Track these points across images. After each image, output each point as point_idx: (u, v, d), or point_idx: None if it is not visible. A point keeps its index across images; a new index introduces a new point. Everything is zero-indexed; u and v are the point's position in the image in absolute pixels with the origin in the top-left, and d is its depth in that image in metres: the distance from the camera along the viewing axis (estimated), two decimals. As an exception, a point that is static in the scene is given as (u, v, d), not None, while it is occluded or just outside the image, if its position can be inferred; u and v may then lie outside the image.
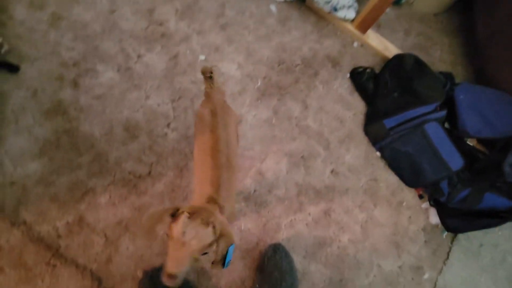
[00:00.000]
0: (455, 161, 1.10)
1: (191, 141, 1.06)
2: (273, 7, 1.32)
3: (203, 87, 1.12)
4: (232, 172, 0.73)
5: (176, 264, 0.51)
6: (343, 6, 1.26)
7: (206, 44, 1.19)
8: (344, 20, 1.32)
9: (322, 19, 1.36)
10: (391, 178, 1.20)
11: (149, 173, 1.01)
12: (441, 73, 1.27)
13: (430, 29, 1.48)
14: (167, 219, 0.55)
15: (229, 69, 1.17)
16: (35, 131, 0.96)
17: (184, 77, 1.12)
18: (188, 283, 0.90)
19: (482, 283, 1.14)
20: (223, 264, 0.59)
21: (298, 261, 1.03)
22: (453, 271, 1.14)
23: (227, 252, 0.59)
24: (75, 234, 0.91)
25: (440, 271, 1.13)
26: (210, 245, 0.55)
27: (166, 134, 1.05)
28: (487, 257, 1.17)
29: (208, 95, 0.82)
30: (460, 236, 1.18)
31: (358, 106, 1.26)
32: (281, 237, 1.04)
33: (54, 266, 0.87)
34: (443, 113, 1.16)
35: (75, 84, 1.04)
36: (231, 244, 0.59)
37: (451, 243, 1.18)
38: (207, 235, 0.54)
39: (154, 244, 0.94)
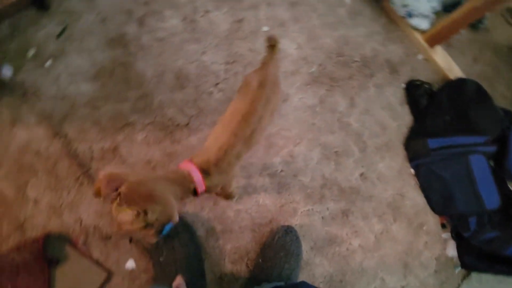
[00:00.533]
0: (492, 200, 1.05)
1: (234, 106, 1.07)
2: (347, -2, 1.29)
3: (259, 57, 1.12)
4: (248, 148, 0.71)
5: (118, 232, 0.54)
6: (420, 14, 1.21)
7: (272, 17, 1.19)
8: (415, 29, 1.27)
9: (393, 22, 1.32)
10: (418, 199, 1.16)
11: (187, 124, 1.03)
12: (502, 109, 1.20)
13: (501, 61, 1.40)
14: (111, 192, 0.55)
15: (288, 47, 1.16)
16: (95, 55, 1.00)
17: (244, 43, 1.12)
18: (194, 239, 0.92)
19: (482, 329, 1.10)
20: (159, 234, 0.60)
21: (304, 250, 1.03)
22: (456, 308, 1.10)
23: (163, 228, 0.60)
24: (107, 161, 0.95)
25: (442, 304, 1.10)
26: (144, 227, 0.55)
27: (212, 92, 1.06)
28: (494, 306, 1.13)
29: (264, 65, 0.81)
30: (473, 276, 1.14)
31: (405, 118, 1.22)
32: (295, 222, 1.04)
33: (82, 184, 0.92)
34: (492, 148, 1.10)
35: (141, 23, 1.07)
36: (168, 223, 0.59)
37: (462, 280, 1.13)
38: (138, 222, 0.54)
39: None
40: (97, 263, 0.88)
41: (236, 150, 0.68)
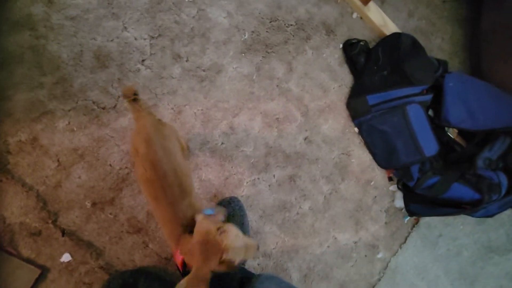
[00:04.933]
0: (430, 147, 1.08)
1: (165, 83, 1.01)
2: (275, -39, 1.25)
3: (187, 29, 1.06)
4: (188, 195, 0.69)
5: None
6: (348, -29, 1.19)
7: (197, -15, 1.12)
8: (348, -13, 1.25)
9: (325, -17, 1.29)
10: (364, 156, 1.18)
11: (115, 106, 0.97)
12: (436, 59, 1.22)
13: (436, 15, 1.42)
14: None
15: (217, 15, 1.11)
16: (-2, 41, 0.90)
17: (168, 15, 1.06)
18: (152, 275, 0.87)
19: (433, 271, 1.15)
20: None
21: (253, 219, 1.02)
22: (407, 255, 1.14)
23: None
24: (26, 153, 0.87)
25: (395, 253, 1.13)
26: None
27: (139, 70, 1.00)
28: (443, 248, 1.18)
29: (138, 120, 0.71)
30: (422, 223, 1.18)
31: (345, 78, 1.22)
32: (241, 193, 1.02)
33: (0, 181, 0.84)
34: (428, 97, 1.12)
35: (49, 1, 0.97)
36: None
37: (411, 228, 1.17)
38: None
39: (107, 177, 0.92)
40: (28, 260, 0.82)
41: (185, 207, 0.67)
